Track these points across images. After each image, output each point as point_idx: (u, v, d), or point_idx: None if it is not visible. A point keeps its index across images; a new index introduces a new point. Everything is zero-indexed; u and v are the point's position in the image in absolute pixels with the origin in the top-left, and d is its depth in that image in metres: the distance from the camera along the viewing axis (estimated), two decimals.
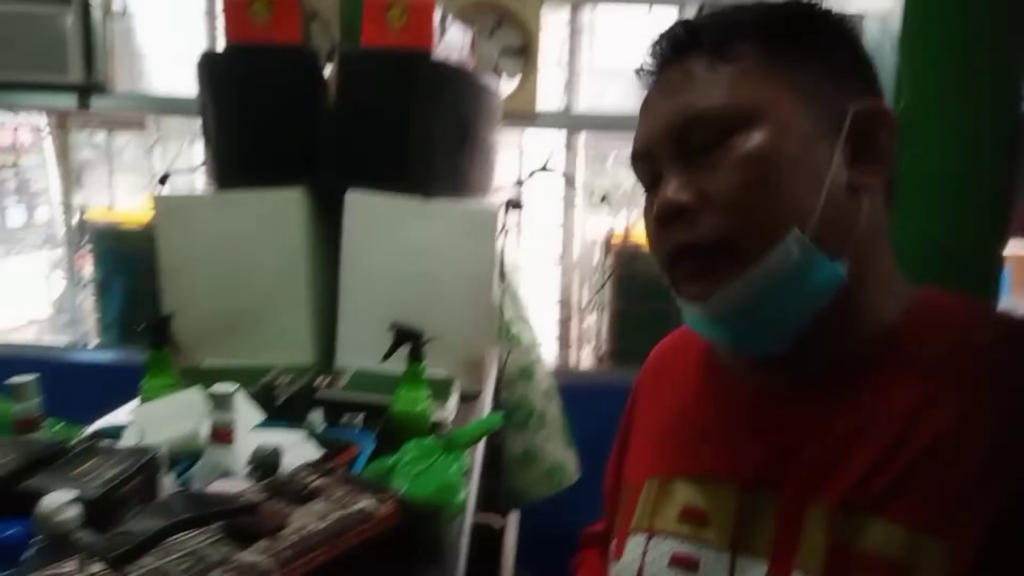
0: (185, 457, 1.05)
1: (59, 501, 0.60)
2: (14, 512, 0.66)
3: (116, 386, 1.46)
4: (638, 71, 0.68)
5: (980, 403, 0.54)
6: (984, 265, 1.12)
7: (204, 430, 1.03)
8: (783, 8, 0.63)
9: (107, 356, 2.50)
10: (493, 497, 2.12)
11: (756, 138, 0.59)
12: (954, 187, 1.11)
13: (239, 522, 0.52)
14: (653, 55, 0.66)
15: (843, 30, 0.63)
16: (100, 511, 0.67)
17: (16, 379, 0.83)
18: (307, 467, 0.70)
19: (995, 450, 0.52)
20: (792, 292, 0.58)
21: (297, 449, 1.06)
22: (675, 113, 0.62)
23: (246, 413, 1.05)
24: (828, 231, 0.58)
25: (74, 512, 0.61)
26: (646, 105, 0.66)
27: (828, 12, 0.64)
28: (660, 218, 0.62)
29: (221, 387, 0.85)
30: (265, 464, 0.80)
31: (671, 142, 0.62)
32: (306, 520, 0.59)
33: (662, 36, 0.66)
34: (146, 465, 0.74)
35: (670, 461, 0.69)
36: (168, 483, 0.83)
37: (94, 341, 2.62)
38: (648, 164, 0.65)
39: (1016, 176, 1.04)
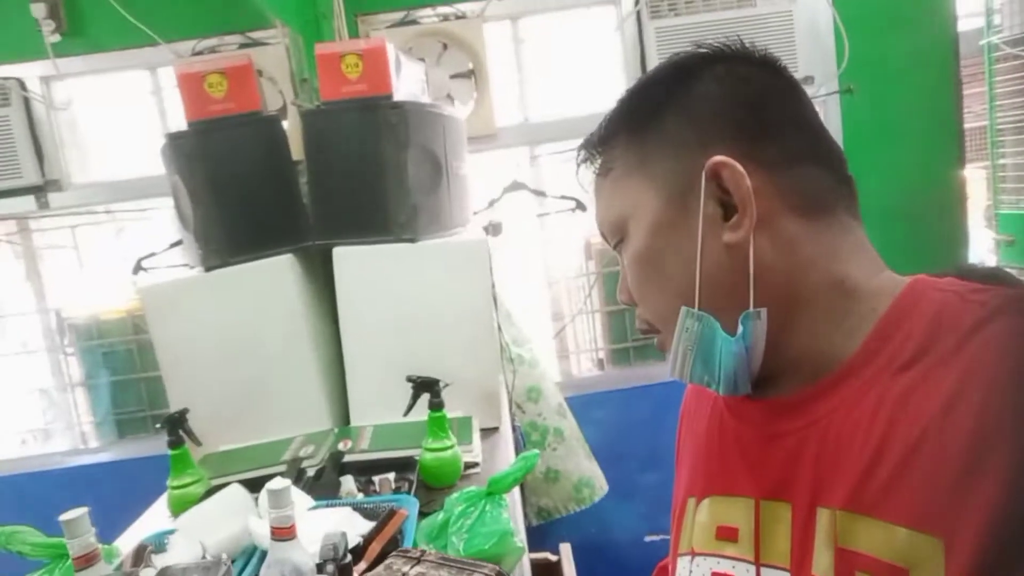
0: (240, 556, 1.04)
1: None
2: None
3: (128, 484, 1.44)
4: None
5: (961, 384, 0.52)
6: None
7: (253, 524, 1.02)
8: (637, 93, 0.68)
9: (110, 455, 2.44)
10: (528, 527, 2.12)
11: (631, 243, 0.67)
12: None
13: None
14: (577, 164, 0.73)
15: (713, 85, 0.64)
16: None
17: (67, 515, 0.81)
18: (399, 557, 0.70)
19: (981, 431, 0.51)
20: (712, 355, 0.63)
21: (348, 525, 1.05)
22: (596, 222, 0.72)
23: (296, 499, 1.04)
24: (721, 297, 0.62)
25: None
26: None
27: (682, 69, 0.66)
28: None
29: (275, 483, 0.84)
30: (336, 554, 0.79)
31: (603, 239, 0.73)
32: None
33: (576, 152, 0.72)
34: None
35: (703, 481, 0.72)
36: None
37: (92, 442, 2.56)
38: None
39: None
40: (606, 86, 2.56)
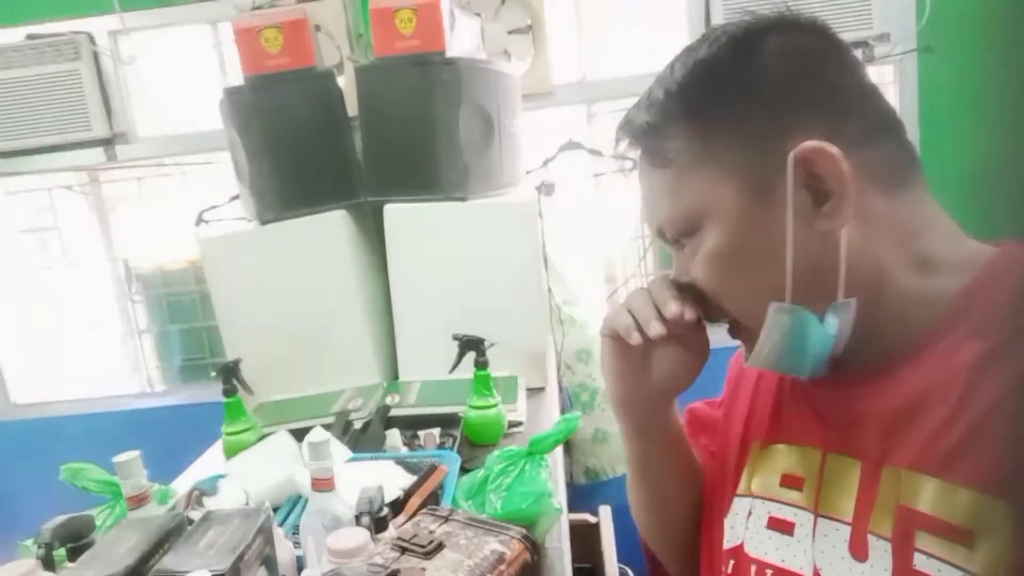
0: (285, 502, 1.08)
1: None
2: None
3: (189, 427, 1.50)
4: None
5: None
6: None
7: (298, 473, 1.05)
8: (702, 74, 0.62)
9: (175, 399, 2.56)
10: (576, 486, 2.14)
11: (708, 240, 0.62)
12: None
13: None
14: (616, 147, 0.70)
15: (767, 71, 0.60)
16: None
17: (120, 457, 0.85)
18: (427, 515, 0.71)
19: None
20: (802, 348, 0.61)
21: (389, 478, 1.07)
22: (646, 218, 0.70)
23: (335, 451, 1.07)
24: (811, 286, 0.59)
25: None
26: None
27: (738, 45, 0.61)
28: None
29: (315, 435, 0.86)
30: (372, 507, 0.81)
31: (656, 235, 0.69)
32: (442, 574, 0.60)
33: (617, 131, 0.69)
34: (262, 526, 0.76)
35: (769, 428, 0.72)
36: (279, 535, 0.85)
37: (159, 386, 2.68)
38: None
39: None
40: (667, 43, 2.47)
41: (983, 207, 1.94)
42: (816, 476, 0.64)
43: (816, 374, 0.63)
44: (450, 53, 1.65)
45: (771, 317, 0.60)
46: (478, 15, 2.24)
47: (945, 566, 0.52)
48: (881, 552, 0.56)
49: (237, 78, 1.70)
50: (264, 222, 1.67)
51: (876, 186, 0.59)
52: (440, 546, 0.62)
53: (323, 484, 0.86)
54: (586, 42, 2.50)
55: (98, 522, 0.96)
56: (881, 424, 0.60)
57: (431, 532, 0.66)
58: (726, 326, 0.69)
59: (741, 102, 0.60)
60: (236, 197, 2.07)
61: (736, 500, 0.73)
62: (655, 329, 0.67)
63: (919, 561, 0.54)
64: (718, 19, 2.29)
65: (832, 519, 0.62)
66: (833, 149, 0.56)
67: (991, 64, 2.20)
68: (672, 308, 0.66)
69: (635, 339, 0.69)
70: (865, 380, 0.62)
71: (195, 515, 0.84)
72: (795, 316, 0.59)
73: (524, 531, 0.66)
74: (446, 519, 0.69)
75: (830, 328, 0.59)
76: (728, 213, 0.61)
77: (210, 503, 1.03)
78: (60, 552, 0.83)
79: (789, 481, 0.67)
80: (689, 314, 0.67)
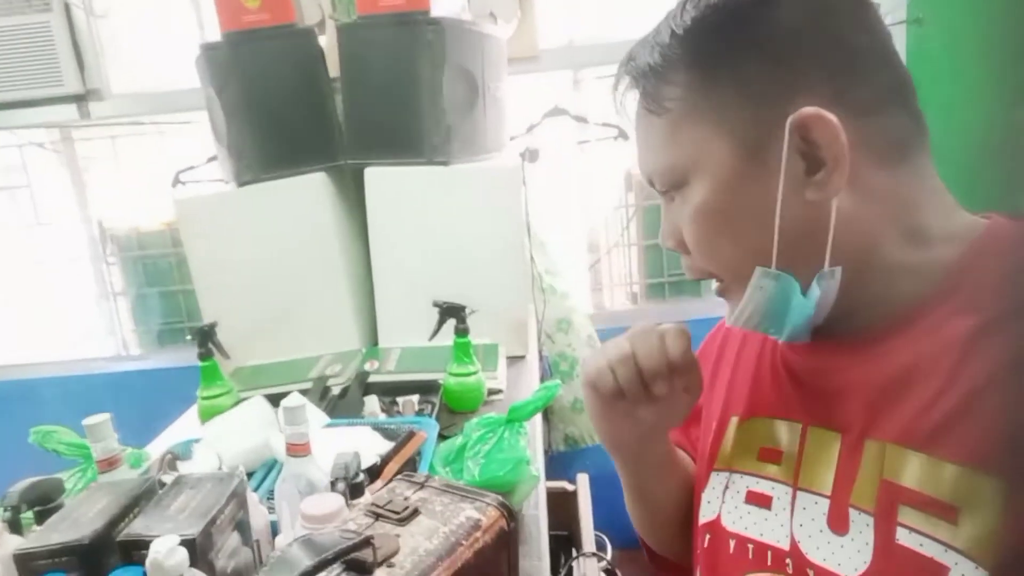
0: (260, 468, 1.06)
1: (168, 547, 0.61)
2: (122, 558, 0.67)
3: (166, 391, 1.48)
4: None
5: None
6: None
7: (273, 439, 1.04)
8: (711, 20, 0.58)
9: (150, 363, 2.53)
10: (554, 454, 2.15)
11: (696, 193, 0.61)
12: None
13: (356, 557, 0.52)
14: (615, 89, 0.67)
15: (777, 30, 0.57)
16: (202, 547, 0.67)
17: (90, 420, 0.83)
18: (402, 481, 0.70)
19: None
20: (783, 312, 0.60)
21: (367, 444, 1.06)
22: (639, 164, 0.67)
23: (311, 416, 1.05)
24: (797, 252, 0.58)
25: (183, 556, 0.62)
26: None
27: (766, 2, 0.57)
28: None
29: (291, 400, 0.85)
30: (347, 473, 0.80)
31: (647, 183, 0.67)
32: (417, 541, 0.59)
33: (619, 68, 0.66)
34: (235, 491, 0.75)
35: (748, 402, 0.71)
36: (253, 500, 0.84)
37: (135, 350, 2.65)
38: None
39: None
40: (656, 5, 2.43)
41: (971, 179, 1.94)
42: (796, 449, 0.63)
43: (795, 339, 0.63)
44: (434, 12, 1.61)
45: (755, 280, 0.59)
46: None
47: (928, 540, 0.52)
48: (862, 526, 0.56)
49: (215, 35, 1.65)
50: (242, 184, 1.63)
51: (875, 157, 0.57)
52: (415, 512, 0.61)
53: (298, 449, 0.85)
54: (573, 6, 2.45)
55: (68, 485, 0.94)
56: (865, 396, 0.59)
57: (406, 499, 0.65)
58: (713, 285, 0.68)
59: (746, 55, 0.57)
60: (214, 158, 2.02)
61: (713, 475, 0.72)
62: (659, 389, 0.66)
63: (901, 535, 0.53)
64: None
65: (811, 492, 0.61)
66: (832, 118, 0.54)
67: (980, 36, 2.19)
68: (659, 388, 0.66)
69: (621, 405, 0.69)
70: (850, 351, 0.61)
71: (167, 480, 0.83)
72: (779, 282, 0.58)
73: (500, 498, 0.65)
74: (422, 485, 0.68)
75: (812, 296, 0.58)
76: (718, 169, 0.59)
77: (183, 467, 1.02)
78: (28, 515, 0.81)
79: (767, 455, 0.66)
80: (681, 361, 0.65)
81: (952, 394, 0.53)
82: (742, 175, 0.58)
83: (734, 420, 0.72)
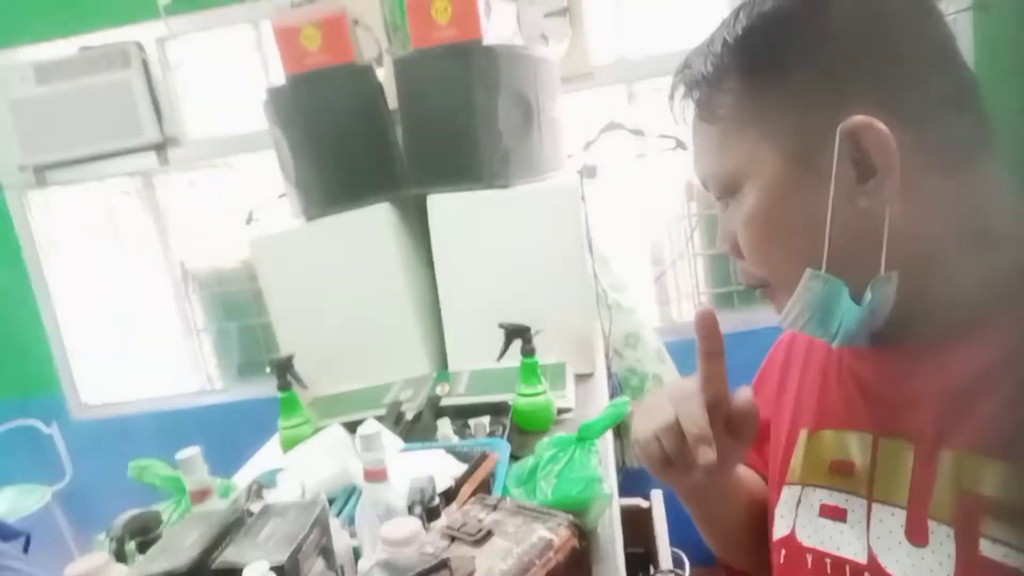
0: (340, 494, 1.10)
1: (259, 573, 0.64)
2: None
3: (248, 422, 1.54)
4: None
5: None
6: None
7: (352, 465, 1.08)
8: (762, 28, 0.59)
9: (232, 395, 2.63)
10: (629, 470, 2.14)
11: (747, 201, 0.61)
12: None
13: None
14: (671, 98, 0.68)
15: (827, 36, 0.56)
16: (291, 572, 0.70)
17: (182, 454, 0.88)
18: (477, 504, 0.72)
19: None
20: (832, 317, 0.60)
21: (441, 468, 1.09)
22: (695, 169, 0.68)
23: (387, 442, 1.09)
24: (850, 258, 0.57)
25: None
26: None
27: (820, 6, 0.57)
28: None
29: (367, 427, 0.88)
30: (423, 497, 0.83)
31: (703, 188, 0.68)
32: (492, 562, 0.60)
33: (675, 76, 0.67)
34: (318, 518, 0.78)
35: (816, 414, 0.70)
36: (336, 526, 0.87)
37: (218, 384, 2.76)
38: None
39: None
40: (707, 16, 2.42)
41: None
42: (868, 461, 0.62)
43: (849, 343, 0.62)
44: (487, 40, 1.64)
45: (804, 282, 0.59)
46: (513, 1, 2.23)
47: (1013, 551, 0.50)
48: (943, 537, 0.55)
49: (280, 76, 1.73)
50: (310, 218, 1.70)
51: (933, 163, 0.56)
52: (489, 534, 0.63)
53: (376, 475, 0.88)
54: (624, 21, 2.46)
55: (165, 516, 1.00)
56: (936, 405, 0.58)
57: (480, 520, 0.67)
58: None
59: (797, 63, 0.57)
60: (284, 195, 2.11)
61: (785, 489, 0.71)
62: (704, 457, 0.62)
63: (985, 547, 0.52)
64: None
65: (887, 504, 0.60)
66: (882, 126, 0.53)
67: None
68: (705, 455, 0.61)
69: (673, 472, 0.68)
70: (917, 358, 0.60)
71: (255, 508, 0.87)
72: (827, 285, 0.58)
73: (571, 518, 0.66)
74: (495, 507, 0.70)
75: (865, 301, 0.57)
76: (768, 177, 0.59)
77: (269, 496, 1.06)
78: (130, 546, 0.86)
79: (839, 467, 0.65)
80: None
81: None
82: (793, 182, 0.58)
83: (803, 433, 0.71)
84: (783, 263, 0.61)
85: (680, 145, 2.44)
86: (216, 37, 2.49)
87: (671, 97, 0.67)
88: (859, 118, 0.54)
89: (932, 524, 0.56)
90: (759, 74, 0.59)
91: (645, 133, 2.42)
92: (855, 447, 0.64)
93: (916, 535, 0.57)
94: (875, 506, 0.61)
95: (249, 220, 2.26)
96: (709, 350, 0.65)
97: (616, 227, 2.40)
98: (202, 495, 0.88)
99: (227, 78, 2.53)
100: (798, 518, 0.68)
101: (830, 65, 0.56)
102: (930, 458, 0.57)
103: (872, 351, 0.65)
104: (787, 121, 0.58)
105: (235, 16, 2.39)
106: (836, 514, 0.64)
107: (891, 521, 0.59)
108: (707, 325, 0.65)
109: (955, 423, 0.56)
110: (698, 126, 0.64)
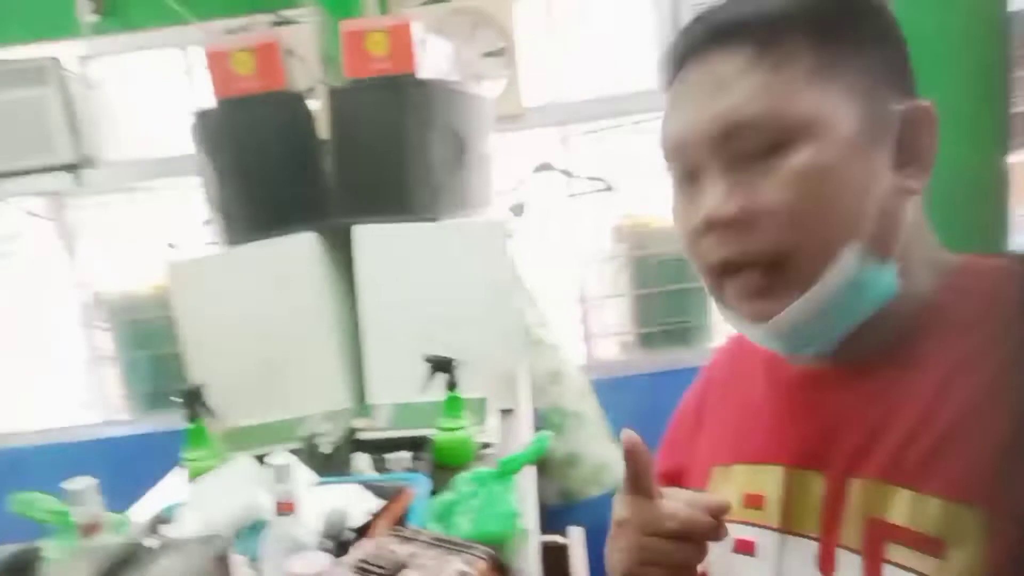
0: (247, 529, 1.05)
1: None
2: None
3: (153, 456, 1.46)
4: (666, 54, 0.64)
5: (1007, 364, 0.53)
6: None
7: (261, 499, 1.03)
8: None
9: (138, 427, 2.50)
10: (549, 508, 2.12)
11: (808, 153, 0.56)
12: None
13: None
14: (688, 39, 0.61)
15: (887, 18, 0.59)
16: None
17: (72, 484, 0.83)
18: (390, 536, 0.69)
19: None
20: (850, 305, 0.57)
21: (356, 503, 1.05)
22: (720, 114, 0.58)
23: (300, 475, 1.05)
24: (878, 240, 0.56)
25: None
26: (681, 96, 0.62)
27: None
28: (705, 228, 0.59)
29: (277, 458, 0.84)
30: (335, 531, 0.80)
31: (712, 143, 0.58)
32: None
33: (699, 20, 0.61)
34: (219, 555, 0.74)
35: (732, 449, 0.71)
36: (239, 562, 0.83)
37: (123, 415, 2.62)
38: (682, 159, 0.62)
39: None
40: (637, 65, 2.51)
41: (936, 228, 1.96)
42: (781, 493, 0.63)
43: (817, 351, 0.60)
44: (421, 75, 1.66)
45: (844, 257, 0.55)
46: (450, 39, 2.26)
47: None
48: (849, 565, 0.56)
49: (208, 102, 1.69)
50: (232, 243, 1.65)
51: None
52: (402, 567, 0.60)
53: (285, 508, 0.84)
54: (558, 65, 2.53)
55: (49, 553, 0.93)
56: (848, 434, 0.59)
57: (393, 552, 0.64)
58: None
59: (869, 30, 0.58)
60: (208, 222, 2.05)
61: None
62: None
63: (889, 573, 0.53)
64: None
65: (800, 535, 0.60)
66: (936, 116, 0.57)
67: (949, 87, 2.25)
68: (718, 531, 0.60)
69: None
70: (837, 384, 0.61)
71: (150, 543, 0.82)
72: (863, 267, 0.56)
73: (490, 551, 0.65)
74: (410, 539, 0.68)
75: (888, 285, 0.57)
76: (843, 132, 0.56)
77: (168, 531, 1.01)
78: None
79: (751, 501, 0.66)
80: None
81: (934, 427, 0.54)
82: (856, 146, 0.56)
83: (716, 470, 0.71)
84: (823, 228, 0.56)
85: (609, 187, 2.50)
86: (143, 59, 2.43)
87: (679, 42, 0.62)
88: (926, 103, 0.56)
89: (840, 553, 0.57)
90: (835, 29, 0.58)
91: (575, 175, 2.46)
92: (766, 480, 0.64)
93: (825, 565, 0.58)
94: (789, 538, 0.61)
95: (169, 246, 2.19)
96: (636, 471, 0.62)
97: (543, 265, 2.42)
98: (91, 529, 0.82)
99: (152, 102, 2.45)
100: (710, 555, 0.67)
101: (890, 44, 0.59)
102: (840, 487, 0.58)
103: (789, 373, 0.66)
104: (861, 84, 0.57)
105: (164, 39, 2.34)
106: (746, 548, 0.64)
107: (803, 553, 0.60)
108: (632, 451, 0.62)
109: (864, 452, 0.57)
110: (752, 65, 0.57)
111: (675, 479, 0.81)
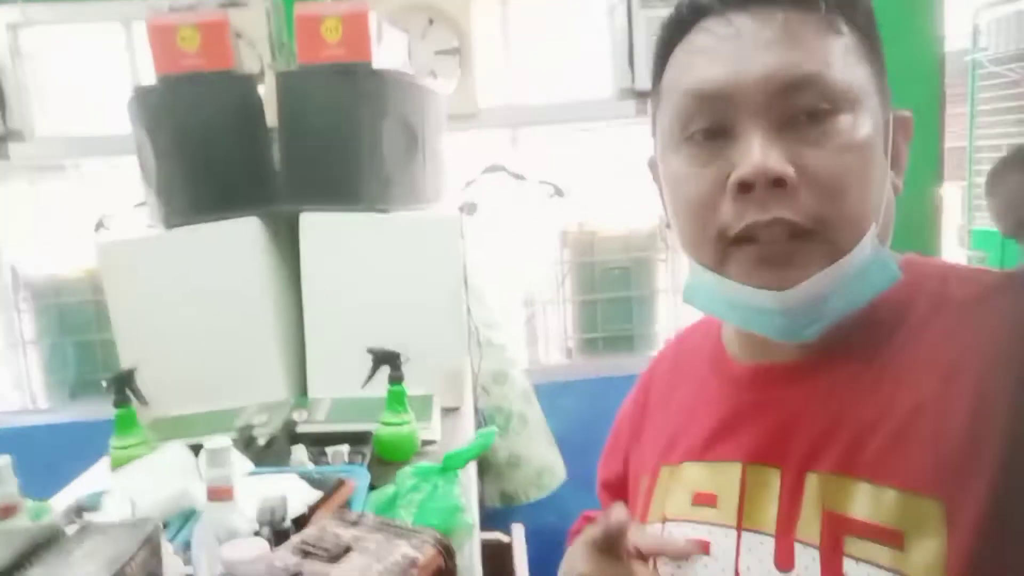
0: (177, 518, 1.00)
1: None
2: None
3: (75, 447, 1.38)
4: (683, 4, 0.61)
5: (963, 356, 0.54)
6: None
7: (193, 488, 0.98)
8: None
9: (60, 416, 2.37)
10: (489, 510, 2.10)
11: (863, 124, 0.55)
12: None
13: None
14: None
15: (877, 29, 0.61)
16: None
17: None
18: (335, 520, 0.66)
19: (982, 400, 0.51)
20: (858, 288, 0.57)
21: (293, 494, 1.01)
22: (782, 67, 0.55)
23: (235, 464, 1.00)
24: (882, 227, 0.58)
25: None
26: (718, 45, 0.58)
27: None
28: (749, 184, 0.54)
29: (214, 442, 0.80)
30: (274, 518, 0.76)
31: (767, 97, 0.55)
32: None
33: None
34: (147, 539, 0.69)
35: (681, 448, 0.69)
36: (169, 550, 0.78)
37: (43, 402, 2.48)
38: (718, 111, 0.57)
39: None
40: (592, 72, 2.53)
41: None
42: (737, 490, 0.62)
43: (805, 338, 0.58)
44: (376, 64, 1.62)
45: (866, 237, 0.55)
46: (406, 32, 2.23)
47: (875, 569, 0.51)
48: (808, 561, 0.55)
49: (150, 80, 1.62)
50: (170, 226, 1.58)
51: None
52: (347, 550, 0.58)
53: (220, 494, 0.80)
54: (514, 66, 2.53)
55: None
56: (803, 427, 0.59)
57: (338, 536, 0.62)
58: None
59: (875, 30, 0.60)
60: (142, 204, 1.96)
61: (647, 529, 0.69)
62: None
63: (848, 567, 0.53)
64: (641, 52, 2.37)
65: (756, 532, 0.59)
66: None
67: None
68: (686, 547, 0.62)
69: None
70: (787, 379, 0.62)
71: (70, 530, 0.76)
72: (876, 249, 0.56)
73: (438, 535, 0.63)
74: (355, 523, 0.65)
75: (892, 271, 0.57)
76: (875, 116, 0.57)
77: (93, 519, 0.95)
78: None
79: (701, 499, 0.64)
80: None
81: (890, 420, 0.54)
82: (879, 130, 0.58)
83: (665, 470, 0.70)
84: (860, 205, 0.56)
85: (558, 192, 2.50)
86: (81, 31, 2.32)
87: None
88: (909, 113, 0.60)
89: (798, 548, 0.56)
90: (861, 22, 0.59)
91: (525, 177, 2.46)
92: (721, 477, 0.63)
93: (784, 561, 0.57)
94: (745, 535, 0.60)
95: (99, 227, 2.09)
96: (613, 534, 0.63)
97: (491, 266, 2.41)
98: (7, 512, 0.76)
99: (89, 76, 2.34)
100: (660, 557, 0.66)
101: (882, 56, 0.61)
102: (797, 482, 0.58)
103: (739, 371, 0.66)
104: (879, 76, 0.60)
105: (105, 11, 2.24)
106: (702, 548, 0.63)
107: (760, 550, 0.59)
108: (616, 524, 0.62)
109: (820, 445, 0.57)
110: (805, 23, 0.56)
111: (616, 488, 0.81)
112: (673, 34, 0.62)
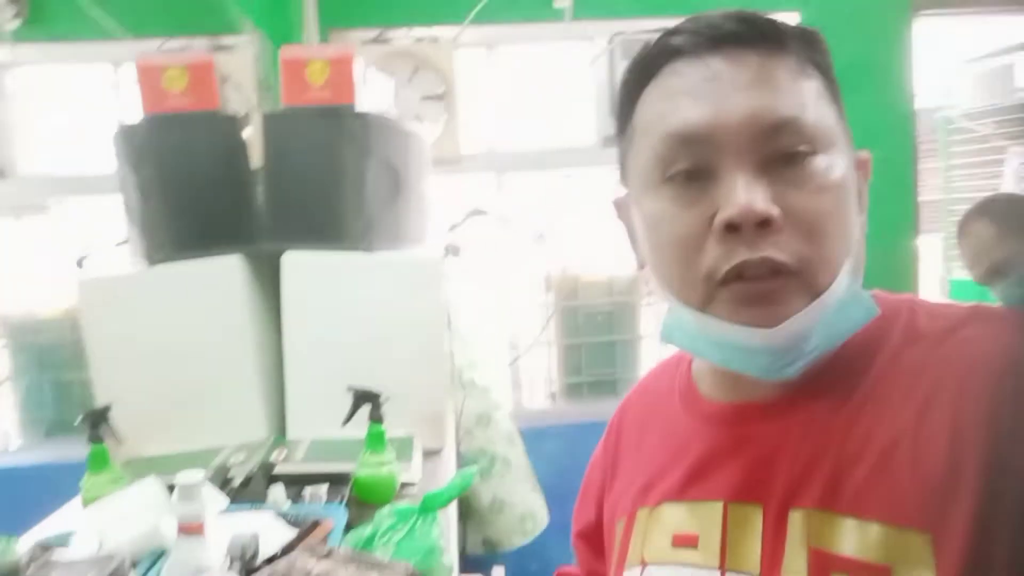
0: (147, 557, 0.97)
1: None
2: None
3: (48, 489, 1.35)
4: (651, 49, 0.62)
5: (937, 388, 0.54)
6: None
7: (165, 525, 0.96)
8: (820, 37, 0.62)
9: (33, 457, 2.31)
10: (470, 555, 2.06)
11: (837, 165, 0.57)
12: None
13: None
14: (712, 30, 0.59)
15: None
16: None
17: None
18: (305, 553, 0.65)
19: (960, 430, 0.52)
20: (839, 324, 0.57)
21: (268, 531, 0.99)
22: (763, 110, 0.56)
23: (208, 500, 0.98)
24: (855, 264, 0.58)
25: None
26: (694, 87, 0.58)
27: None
28: (736, 225, 0.54)
29: (186, 476, 0.79)
30: (244, 555, 0.74)
31: (749, 139, 0.56)
32: None
33: (730, 17, 0.59)
34: (112, 574, 0.67)
35: (658, 489, 0.68)
36: None
37: (16, 442, 2.43)
38: (699, 153, 0.57)
39: None
40: (575, 120, 2.58)
41: None
42: (718, 530, 0.60)
43: (787, 376, 0.58)
44: (360, 107, 1.65)
45: (841, 275, 0.56)
46: (392, 77, 2.27)
47: None
48: None
49: (136, 119, 1.63)
50: (153, 263, 1.57)
51: None
52: None
53: (191, 529, 0.78)
54: (498, 113, 2.57)
55: None
56: (783, 464, 0.58)
57: (308, 570, 0.60)
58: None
59: (833, 75, 0.62)
60: (124, 242, 1.96)
61: (625, 573, 0.67)
62: None
63: None
64: None
65: (741, 573, 0.58)
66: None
67: None
68: None
69: None
70: (762, 413, 0.61)
71: (34, 567, 0.74)
72: (851, 287, 0.57)
73: (411, 567, 0.61)
74: (326, 556, 0.63)
75: (870, 308, 0.58)
76: (846, 156, 0.59)
77: (62, 556, 0.92)
78: None
79: (682, 540, 0.63)
80: None
81: (870, 455, 0.54)
82: (851, 173, 0.60)
83: (643, 512, 0.68)
84: (836, 241, 0.57)
85: (541, 237, 2.53)
86: (70, 72, 2.34)
87: (668, 40, 0.61)
88: (868, 154, 0.62)
89: None
90: (826, 66, 0.61)
91: (509, 222, 2.49)
92: (702, 517, 0.62)
93: None
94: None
95: (80, 263, 2.07)
96: None
97: (476, 308, 2.41)
98: None
99: (75, 116, 2.36)
100: None
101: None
102: (780, 520, 0.57)
103: (714, 408, 0.66)
104: (843, 118, 0.61)
105: (94, 53, 2.26)
106: None
107: None
108: None
109: (801, 482, 0.56)
110: (780, 67, 0.58)
111: (591, 537, 0.80)
112: (640, 76, 0.63)
